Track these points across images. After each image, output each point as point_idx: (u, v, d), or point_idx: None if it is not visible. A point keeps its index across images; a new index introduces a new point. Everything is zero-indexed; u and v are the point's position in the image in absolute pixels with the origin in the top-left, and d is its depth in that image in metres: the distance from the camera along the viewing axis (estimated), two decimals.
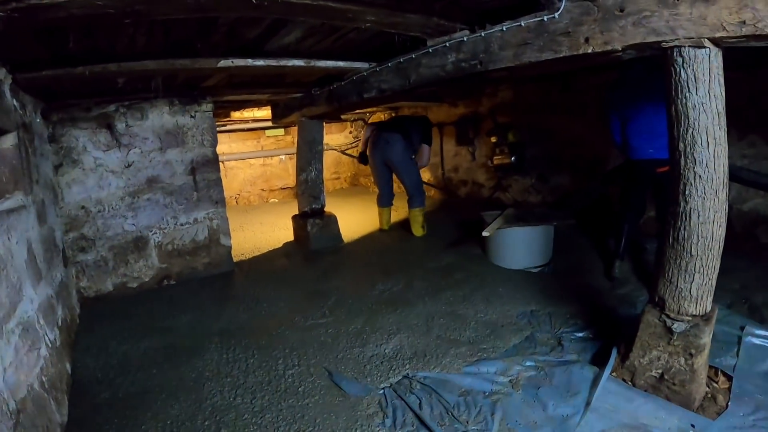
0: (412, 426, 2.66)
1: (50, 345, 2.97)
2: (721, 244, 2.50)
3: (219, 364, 3.43)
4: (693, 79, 2.25)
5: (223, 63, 3.70)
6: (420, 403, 2.81)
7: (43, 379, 2.63)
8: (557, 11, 2.60)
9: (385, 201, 6.80)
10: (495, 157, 7.37)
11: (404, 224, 6.83)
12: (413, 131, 6.43)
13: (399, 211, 6.67)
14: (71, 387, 3.18)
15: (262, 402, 2.95)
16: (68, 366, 3.33)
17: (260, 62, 3.81)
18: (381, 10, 2.82)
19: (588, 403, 2.68)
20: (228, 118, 8.46)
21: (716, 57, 2.24)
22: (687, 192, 2.41)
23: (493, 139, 7.38)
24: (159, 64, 3.56)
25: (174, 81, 4.54)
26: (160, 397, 3.05)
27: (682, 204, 2.45)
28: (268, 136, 10.47)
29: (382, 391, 2.99)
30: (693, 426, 2.49)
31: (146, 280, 5.11)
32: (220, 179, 5.52)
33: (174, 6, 2.34)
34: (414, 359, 3.34)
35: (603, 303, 4.03)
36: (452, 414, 2.70)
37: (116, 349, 3.74)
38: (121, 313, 4.41)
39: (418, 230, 6.44)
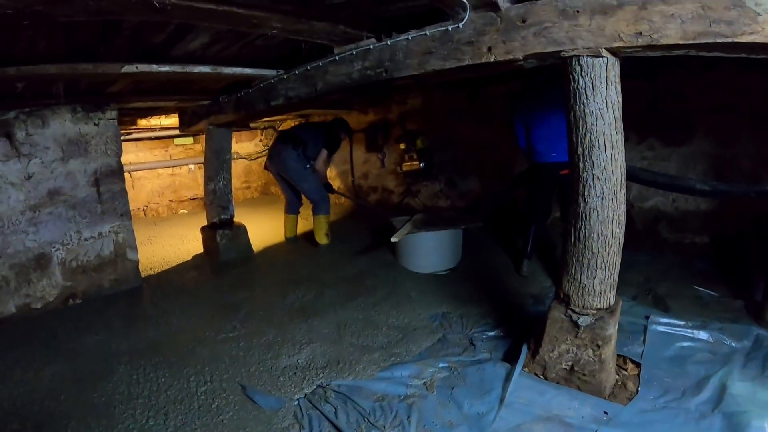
0: None
1: None
2: (621, 241, 2.63)
3: (129, 386, 3.30)
4: (591, 87, 2.37)
5: (127, 68, 3.59)
6: (336, 412, 2.80)
7: None
8: (462, 21, 2.68)
9: (289, 208, 6.73)
10: (404, 164, 7.47)
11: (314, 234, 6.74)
12: (312, 140, 6.34)
13: (309, 220, 6.61)
14: None
15: (175, 422, 2.85)
16: None
17: (166, 68, 3.73)
18: (286, 17, 2.82)
19: (502, 399, 2.75)
20: (134, 126, 8.18)
21: (613, 66, 2.36)
22: (586, 193, 2.53)
23: (402, 146, 7.49)
24: (60, 69, 3.42)
25: (77, 87, 4.37)
26: (69, 424, 2.90)
27: (581, 204, 2.56)
28: (176, 145, 10.14)
29: (296, 403, 2.97)
30: (606, 413, 2.60)
31: (51, 299, 4.83)
32: (125, 190, 5.31)
33: (74, 8, 2.26)
34: (327, 368, 3.33)
35: (513, 302, 4.15)
36: (369, 420, 2.70)
37: (22, 376, 3.52)
38: (26, 337, 4.17)
39: (321, 238, 6.36)
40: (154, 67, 3.68)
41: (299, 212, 6.80)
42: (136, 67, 3.62)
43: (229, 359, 3.57)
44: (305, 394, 3.04)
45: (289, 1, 2.68)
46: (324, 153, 6.38)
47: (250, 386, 3.17)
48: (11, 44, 2.99)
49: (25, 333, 4.26)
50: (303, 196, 6.60)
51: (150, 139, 9.43)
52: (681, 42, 2.07)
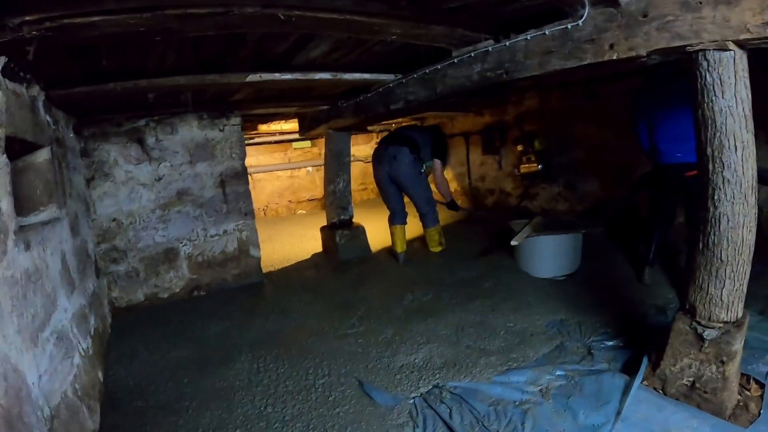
0: None
1: (83, 353, 3.04)
2: (752, 249, 2.46)
3: (249, 374, 3.47)
4: (719, 83, 2.24)
5: (252, 77, 3.76)
6: (450, 413, 2.80)
7: (77, 386, 2.70)
8: (581, 18, 2.61)
9: (398, 219, 6.04)
10: (522, 166, 7.32)
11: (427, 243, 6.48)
12: (423, 144, 5.87)
13: (419, 224, 6.49)
14: (103, 395, 3.24)
15: (292, 411, 2.97)
16: (101, 374, 3.39)
17: (288, 76, 3.87)
18: (405, 23, 2.85)
19: (619, 413, 2.65)
20: (256, 131, 8.56)
21: (741, 59, 2.22)
22: (716, 197, 2.39)
23: (520, 148, 7.35)
24: (188, 80, 3.65)
25: (203, 96, 4.63)
26: (191, 406, 3.10)
27: (711, 209, 2.42)
28: (295, 149, 10.56)
29: (412, 401, 2.99)
30: None
31: (177, 290, 5.22)
32: (248, 191, 5.60)
33: (203, 23, 2.41)
34: (444, 369, 3.33)
35: (633, 310, 3.98)
36: (482, 423, 2.69)
37: (147, 358, 3.81)
38: (152, 323, 4.49)
39: (435, 247, 6.14)
40: (277, 76, 3.83)
41: (407, 222, 6.15)
42: (260, 76, 3.78)
43: (347, 355, 3.65)
44: (421, 393, 3.06)
45: (407, 7, 2.70)
46: (438, 164, 6.03)
47: (367, 382, 3.23)
48: (144, 58, 3.22)
49: (152, 319, 4.59)
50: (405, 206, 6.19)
51: (270, 143, 9.85)
52: None
